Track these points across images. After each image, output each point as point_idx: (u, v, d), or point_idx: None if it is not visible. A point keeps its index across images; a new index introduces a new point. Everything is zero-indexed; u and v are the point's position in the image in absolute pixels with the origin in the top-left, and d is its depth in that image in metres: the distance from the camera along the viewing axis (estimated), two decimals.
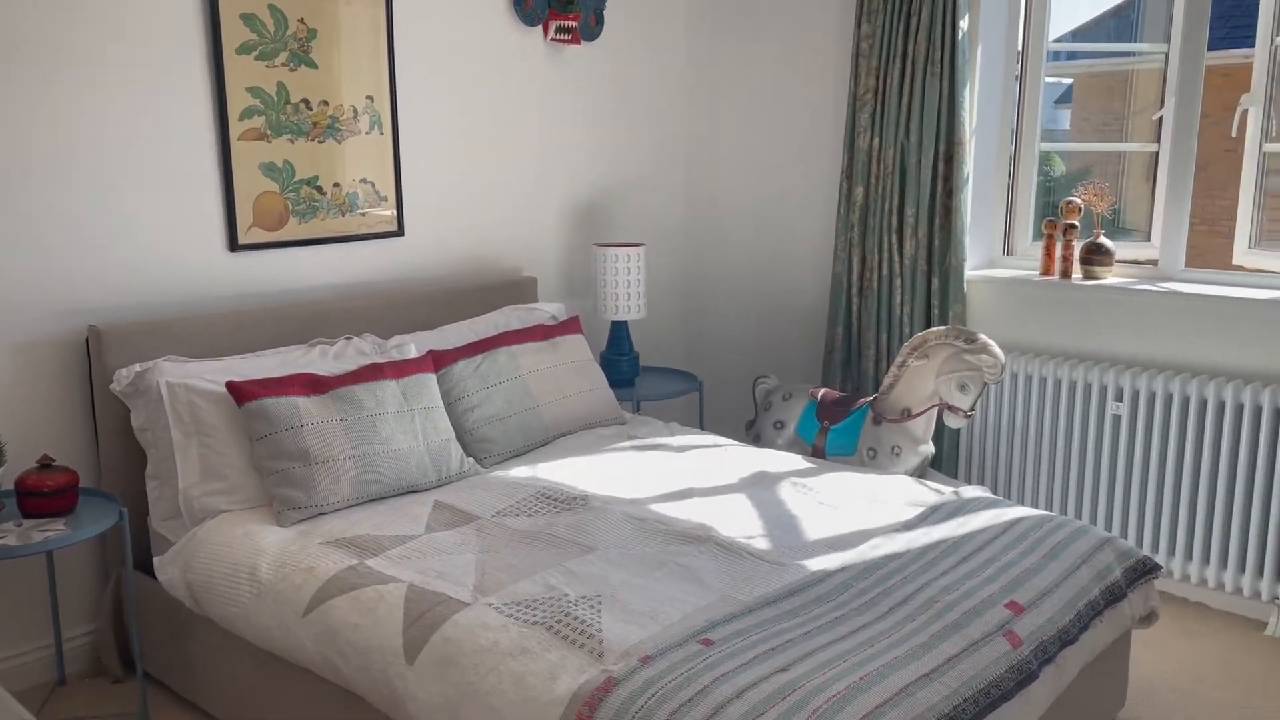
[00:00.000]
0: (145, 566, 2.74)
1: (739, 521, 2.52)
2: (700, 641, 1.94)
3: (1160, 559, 3.22)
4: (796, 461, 3.00)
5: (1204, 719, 2.60)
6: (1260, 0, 3.28)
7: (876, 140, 3.61)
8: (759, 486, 2.78)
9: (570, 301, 3.97)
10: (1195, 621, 3.11)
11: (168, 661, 2.72)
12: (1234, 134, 3.48)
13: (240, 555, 2.44)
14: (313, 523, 2.55)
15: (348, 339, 3.06)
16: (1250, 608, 3.13)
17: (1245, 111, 3.36)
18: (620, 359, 3.74)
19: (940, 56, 3.42)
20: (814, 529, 2.49)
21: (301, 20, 3.05)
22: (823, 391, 3.45)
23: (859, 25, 3.60)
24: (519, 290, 3.65)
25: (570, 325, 3.45)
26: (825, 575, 2.22)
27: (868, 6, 3.57)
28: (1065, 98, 7.73)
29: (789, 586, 2.16)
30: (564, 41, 3.72)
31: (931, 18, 3.41)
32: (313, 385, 2.71)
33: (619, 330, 3.75)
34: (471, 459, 2.95)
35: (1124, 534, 3.29)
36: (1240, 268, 3.41)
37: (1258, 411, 2.99)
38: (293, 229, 3.13)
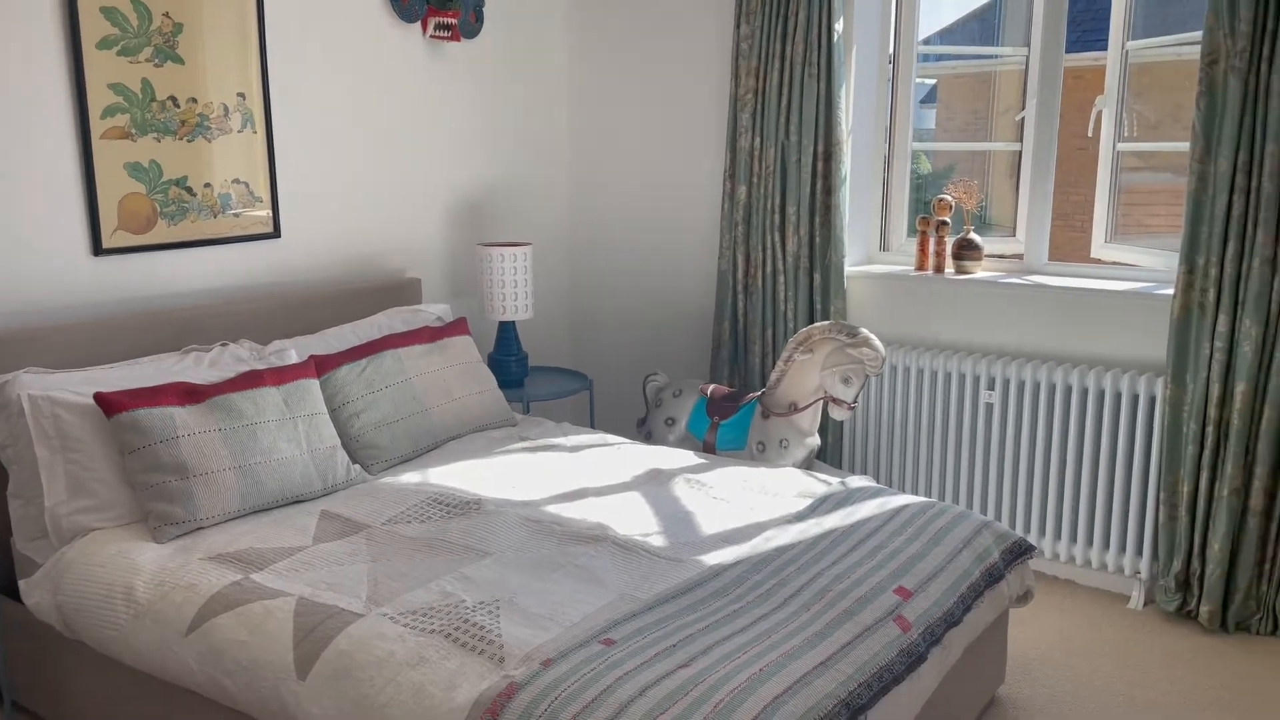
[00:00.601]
0: (10, 590, 2.59)
1: (635, 519, 2.54)
2: (601, 641, 1.94)
3: (1033, 539, 3.38)
4: (688, 457, 3.03)
5: (1076, 690, 2.74)
6: (1111, 7, 3.47)
7: (758, 140, 3.68)
8: (653, 484, 2.80)
9: (456, 302, 3.91)
10: (1065, 598, 3.28)
11: (38, 689, 2.57)
12: (1090, 134, 3.68)
13: (115, 575, 2.32)
14: (192, 538, 2.45)
15: (224, 345, 2.94)
16: (1114, 583, 3.32)
17: (1100, 112, 3.55)
18: (508, 360, 3.71)
19: (817, 58, 3.50)
20: (709, 524, 2.52)
21: (166, 14, 2.92)
22: (712, 387, 3.49)
23: (738, 26, 3.66)
24: (403, 292, 3.58)
25: (457, 326, 3.40)
26: (722, 569, 2.25)
27: (746, 8, 3.63)
28: (930, 98, 8.03)
29: (687, 582, 2.19)
30: (443, 39, 3.66)
31: (808, 20, 3.49)
32: (188, 394, 2.60)
33: (506, 331, 3.72)
34: (358, 466, 2.88)
35: (999, 517, 3.44)
36: (1098, 260, 3.61)
37: (1117, 397, 3.17)
38: (161, 231, 2.99)
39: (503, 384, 3.64)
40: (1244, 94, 2.80)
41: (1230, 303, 2.90)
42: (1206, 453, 2.99)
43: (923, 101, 7.95)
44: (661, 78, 4.06)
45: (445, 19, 3.62)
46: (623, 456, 3.02)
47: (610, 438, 3.23)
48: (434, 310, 3.50)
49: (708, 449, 3.38)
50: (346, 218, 3.50)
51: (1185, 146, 3.00)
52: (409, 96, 3.64)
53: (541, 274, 4.22)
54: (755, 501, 2.68)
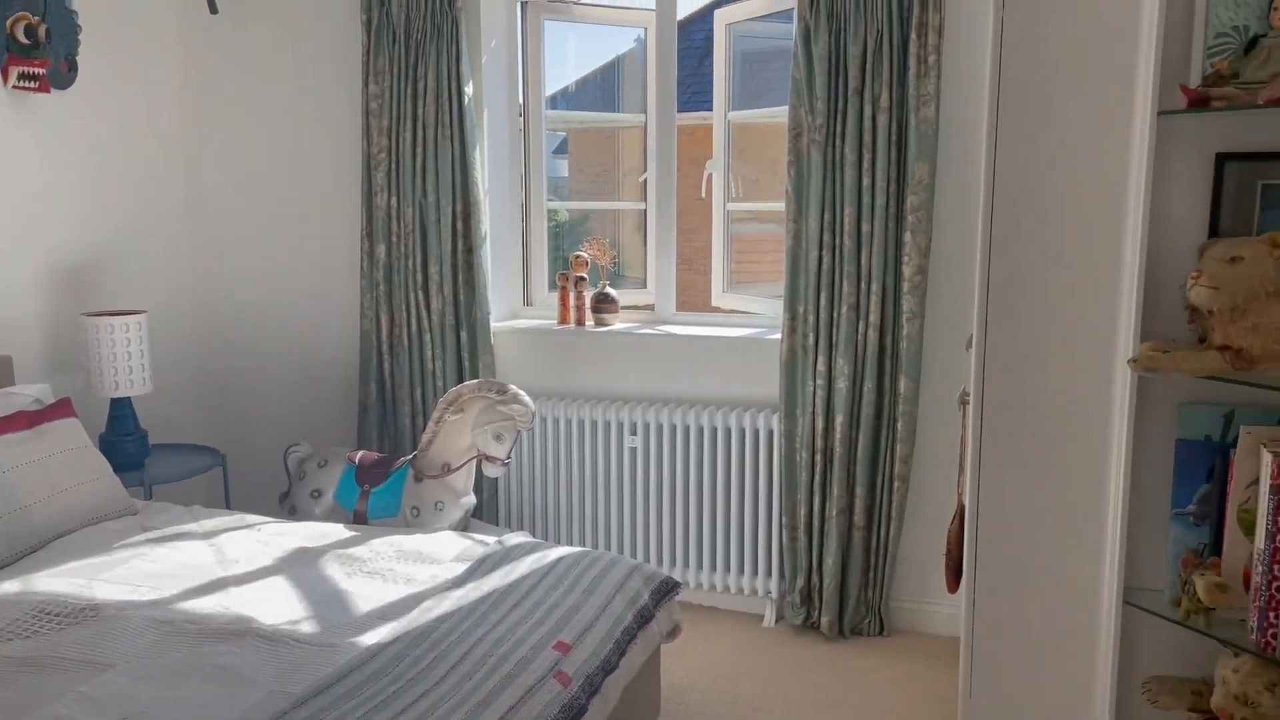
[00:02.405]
0: None
1: (281, 607, 2.39)
2: None
3: (678, 573, 3.59)
4: (339, 531, 2.91)
5: (724, 711, 2.94)
6: (714, 79, 3.83)
7: (395, 199, 3.64)
8: (300, 564, 2.65)
9: (57, 380, 3.47)
10: (709, 624, 3.51)
11: None
12: (703, 195, 4.02)
13: None
14: None
15: None
16: (750, 604, 3.61)
17: (710, 175, 3.89)
18: (124, 440, 3.36)
19: (450, 120, 3.54)
20: (364, 601, 2.43)
21: None
22: (360, 454, 3.39)
23: (366, 85, 3.62)
24: None
25: (59, 409, 3.03)
26: (379, 649, 2.17)
27: (373, 68, 3.59)
28: (562, 148, 8.39)
29: (341, 668, 2.09)
30: (29, 89, 3.27)
31: (438, 83, 3.52)
32: None
33: (121, 408, 3.37)
34: None
35: (648, 556, 3.63)
36: (719, 309, 3.94)
37: (742, 433, 3.47)
38: None
39: (119, 468, 3.27)
40: (824, 163, 3.20)
41: (826, 345, 3.28)
42: (817, 478, 3.34)
43: (555, 151, 8.27)
44: (290, 135, 3.90)
45: (30, 68, 3.24)
46: (265, 538, 2.84)
47: (250, 518, 3.02)
48: (30, 392, 3.10)
49: (359, 519, 3.27)
50: None
51: (782, 206, 3.36)
52: None
53: (161, 343, 3.87)
54: (412, 571, 2.62)
